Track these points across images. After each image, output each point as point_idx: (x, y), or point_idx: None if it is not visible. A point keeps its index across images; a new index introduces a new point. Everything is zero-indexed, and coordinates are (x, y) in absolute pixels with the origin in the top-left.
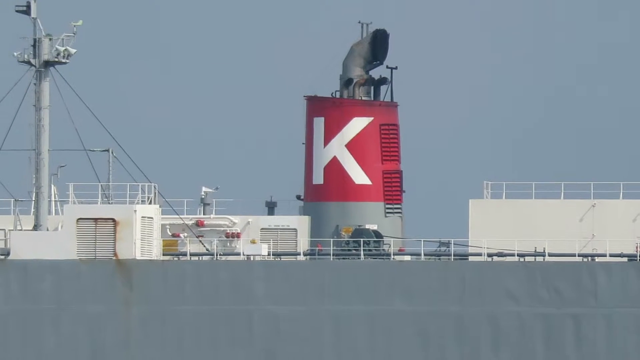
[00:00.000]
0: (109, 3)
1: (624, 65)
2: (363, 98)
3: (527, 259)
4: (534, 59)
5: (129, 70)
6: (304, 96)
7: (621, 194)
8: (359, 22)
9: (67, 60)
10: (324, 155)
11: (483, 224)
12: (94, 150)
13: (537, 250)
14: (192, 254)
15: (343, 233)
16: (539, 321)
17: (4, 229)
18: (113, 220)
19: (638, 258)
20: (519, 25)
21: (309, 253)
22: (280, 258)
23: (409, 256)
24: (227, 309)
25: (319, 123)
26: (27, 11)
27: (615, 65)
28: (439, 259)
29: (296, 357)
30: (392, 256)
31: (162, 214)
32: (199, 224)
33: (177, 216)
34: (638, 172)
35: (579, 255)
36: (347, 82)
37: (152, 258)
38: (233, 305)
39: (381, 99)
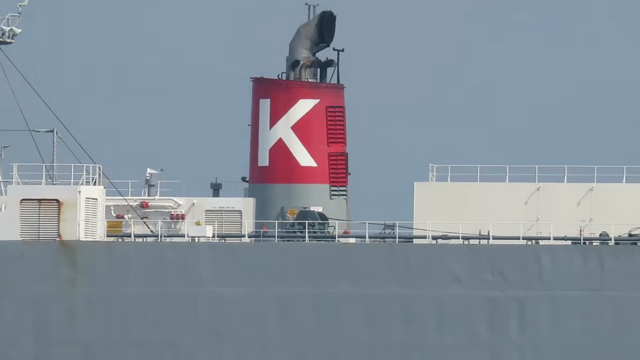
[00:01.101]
0: None
1: (575, 46)
2: (309, 80)
3: (472, 241)
4: (479, 42)
5: (74, 51)
6: (250, 78)
7: (565, 177)
8: (306, 4)
9: (12, 40)
10: (269, 137)
11: (428, 207)
12: (38, 131)
13: (482, 233)
14: (136, 236)
15: (288, 215)
16: (483, 303)
17: None
18: (57, 201)
19: (582, 241)
20: (466, 9)
21: (254, 235)
22: (225, 240)
23: (354, 238)
24: (171, 291)
25: (265, 105)
26: None
27: (570, 46)
28: (384, 241)
29: (241, 338)
30: (337, 238)
31: (106, 195)
32: (143, 205)
33: (121, 197)
34: (583, 156)
35: (523, 238)
36: (293, 64)
37: (96, 239)
38: (178, 286)
39: (327, 81)
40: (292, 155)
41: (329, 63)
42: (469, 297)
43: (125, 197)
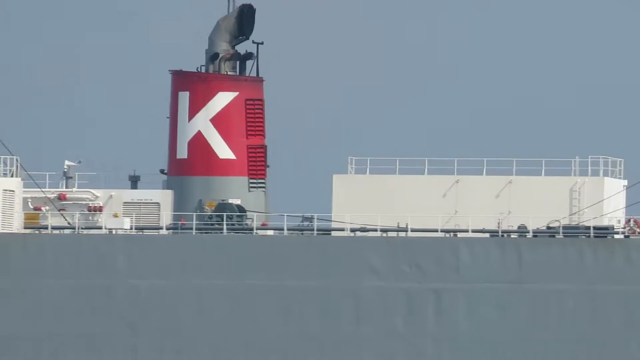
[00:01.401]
0: None
1: (491, 42)
2: (229, 73)
3: (390, 234)
4: (397, 36)
5: None
6: (169, 70)
7: (484, 170)
8: None
9: None
10: (188, 129)
11: (347, 199)
12: None
13: (400, 226)
14: (53, 228)
15: (206, 207)
16: (400, 296)
17: None
18: None
19: (500, 233)
20: (383, 3)
21: (172, 227)
22: (142, 232)
23: (272, 231)
24: (89, 283)
25: (184, 97)
26: None
27: (487, 43)
28: (302, 233)
29: (158, 330)
30: (255, 231)
31: (23, 187)
32: (61, 197)
33: (39, 189)
34: (501, 149)
35: (441, 231)
36: (212, 57)
37: (13, 231)
38: (95, 278)
39: (247, 74)
40: (211, 147)
41: (248, 56)
42: (386, 289)
43: (43, 189)
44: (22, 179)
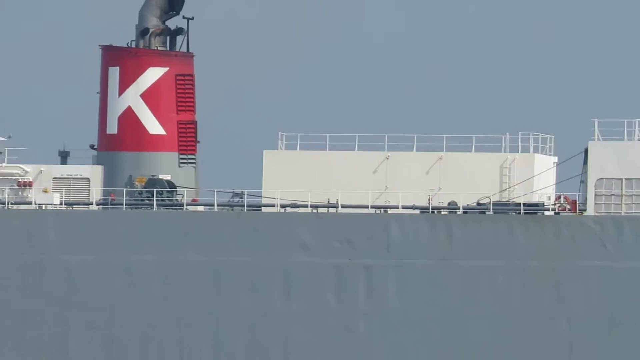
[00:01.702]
0: None
1: (422, 17)
2: (159, 48)
3: (321, 210)
4: (330, 11)
5: None
6: (99, 45)
7: (414, 146)
8: None
9: None
10: (118, 104)
11: (277, 175)
12: None
13: (331, 202)
14: None
15: (136, 183)
16: (331, 272)
17: None
18: None
19: (430, 210)
20: None
21: (102, 203)
22: (72, 207)
23: (203, 207)
24: (18, 258)
25: (114, 73)
26: None
27: (418, 16)
28: (233, 209)
29: (89, 306)
30: (185, 206)
31: None
32: None
33: None
34: (431, 125)
35: (372, 207)
36: (143, 32)
37: None
38: (25, 254)
39: (177, 49)
40: (141, 123)
41: (179, 31)
42: (316, 265)
43: None
44: None
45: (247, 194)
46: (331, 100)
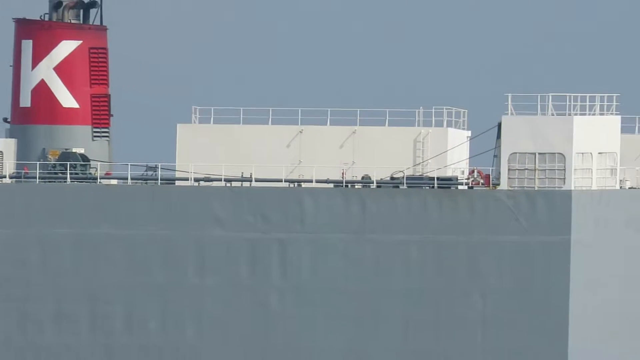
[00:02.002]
0: None
1: None
2: (72, 21)
3: (234, 184)
4: None
5: None
6: (13, 18)
7: (328, 120)
8: None
9: None
10: (31, 78)
11: (191, 149)
12: None
13: (244, 176)
14: None
15: (50, 156)
16: (245, 246)
17: None
18: None
19: (344, 184)
20: None
21: (15, 176)
22: None
23: (116, 180)
24: None
25: (27, 46)
26: None
27: None
28: (146, 183)
29: (3, 279)
30: (98, 180)
31: None
32: None
33: None
34: (345, 99)
35: (285, 181)
36: (56, 5)
37: None
38: None
39: (91, 23)
40: (54, 96)
41: (92, 4)
42: (230, 239)
43: None
44: None
45: (161, 168)
46: (245, 74)
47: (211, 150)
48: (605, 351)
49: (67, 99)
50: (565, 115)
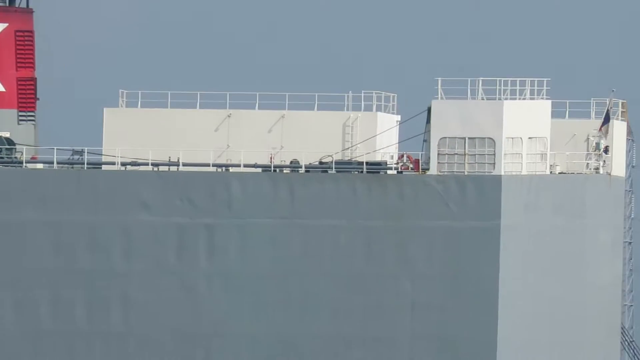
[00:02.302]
0: None
1: None
2: None
3: (162, 168)
4: None
5: None
6: None
7: (257, 104)
8: None
9: None
10: None
11: (118, 133)
12: None
13: (172, 160)
14: None
15: None
16: (172, 231)
17: None
18: None
19: (272, 168)
20: None
21: None
22: None
23: (42, 164)
24: None
25: None
26: None
27: None
28: (72, 167)
29: None
30: (24, 164)
31: None
32: None
33: None
34: (274, 83)
35: (213, 165)
36: None
37: None
38: None
39: (16, 5)
40: None
41: None
42: (157, 224)
43: None
44: None
45: (87, 152)
46: (172, 58)
47: (138, 134)
48: (535, 335)
49: None
50: (495, 99)
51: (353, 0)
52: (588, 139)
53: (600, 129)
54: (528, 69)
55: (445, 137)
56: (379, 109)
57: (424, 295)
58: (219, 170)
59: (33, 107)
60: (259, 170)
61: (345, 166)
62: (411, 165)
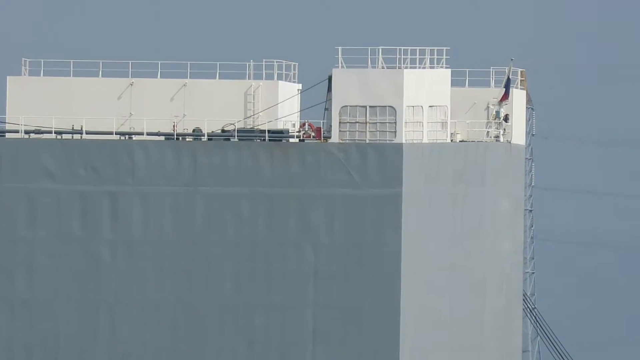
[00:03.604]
0: None
1: None
2: None
3: (65, 136)
4: None
5: None
6: None
7: (159, 73)
8: None
9: None
10: None
11: (21, 101)
12: None
13: (75, 128)
14: None
15: None
16: (75, 199)
17: None
18: None
19: (175, 137)
20: None
21: None
22: None
23: None
24: None
25: None
26: None
27: None
28: None
29: None
30: None
31: None
32: None
33: None
34: (175, 51)
35: (116, 134)
36: None
37: None
38: None
39: None
40: None
41: None
42: (61, 192)
43: None
44: None
45: None
46: (75, 26)
47: (42, 103)
48: (437, 304)
49: None
50: (395, 68)
51: None
52: (488, 107)
53: (501, 99)
54: (427, 38)
55: (347, 106)
56: (280, 77)
57: (327, 263)
58: (122, 138)
59: None
60: (162, 138)
61: (248, 134)
62: (313, 134)
